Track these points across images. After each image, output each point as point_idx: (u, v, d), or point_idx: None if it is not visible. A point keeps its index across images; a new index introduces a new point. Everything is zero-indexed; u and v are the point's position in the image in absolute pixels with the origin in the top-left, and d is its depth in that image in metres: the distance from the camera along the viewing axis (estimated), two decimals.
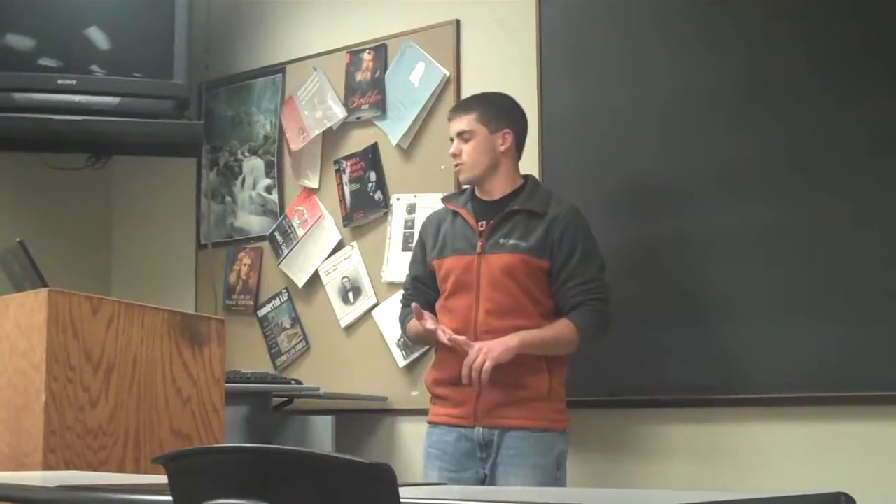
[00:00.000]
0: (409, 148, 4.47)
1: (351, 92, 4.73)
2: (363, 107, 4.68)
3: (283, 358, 4.82)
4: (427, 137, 4.49)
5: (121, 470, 3.07)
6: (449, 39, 4.48)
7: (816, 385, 3.51)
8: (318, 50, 4.91)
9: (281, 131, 5.00)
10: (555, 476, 3.48)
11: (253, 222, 5.07)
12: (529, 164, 4.12)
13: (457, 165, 3.62)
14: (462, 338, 3.41)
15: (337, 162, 4.74)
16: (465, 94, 4.42)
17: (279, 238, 4.92)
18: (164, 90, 4.91)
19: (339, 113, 4.73)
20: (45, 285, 3.17)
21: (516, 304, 3.47)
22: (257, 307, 4.96)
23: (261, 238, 5.02)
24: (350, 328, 4.61)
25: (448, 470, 3.51)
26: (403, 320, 3.77)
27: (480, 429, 3.48)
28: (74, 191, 5.43)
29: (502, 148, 3.57)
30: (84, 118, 4.80)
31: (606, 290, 3.53)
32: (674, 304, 3.79)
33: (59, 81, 4.81)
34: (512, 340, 3.38)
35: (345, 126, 4.74)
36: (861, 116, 3.52)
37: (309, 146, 4.86)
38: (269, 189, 5.02)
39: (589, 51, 4.10)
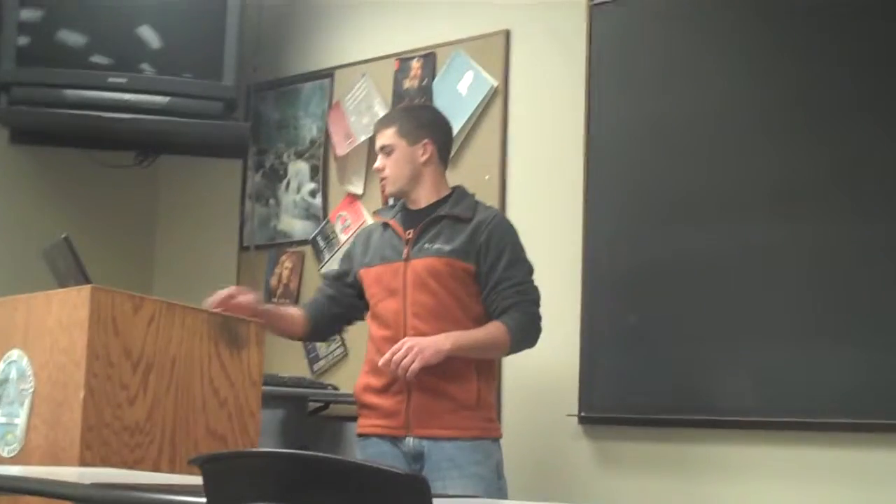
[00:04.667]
0: (454, 157, 4.45)
1: (398, 99, 4.74)
2: None
3: (321, 363, 4.83)
4: (473, 147, 4.49)
5: (156, 469, 3.07)
6: (498, 49, 4.48)
7: (855, 410, 3.47)
8: (366, 56, 4.93)
9: (327, 136, 5.01)
10: (497, 486, 3.44)
11: (296, 226, 5.08)
12: (574, 176, 4.11)
13: (382, 180, 3.64)
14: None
15: None
16: (514, 105, 4.43)
17: (321, 243, 4.93)
18: (212, 91, 4.94)
19: None
20: (89, 282, 3.18)
21: (442, 307, 3.46)
22: (286, 306, 4.97)
23: (303, 242, 5.04)
24: None
25: None
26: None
27: (411, 439, 3.45)
28: (121, 188, 5.47)
29: (423, 159, 3.58)
30: (133, 116, 4.84)
31: (537, 292, 3.52)
32: (715, 322, 3.76)
33: (110, 79, 4.85)
34: (444, 343, 3.36)
35: None
36: None
37: (354, 152, 4.87)
38: (313, 193, 5.03)
39: (639, 65, 4.08)
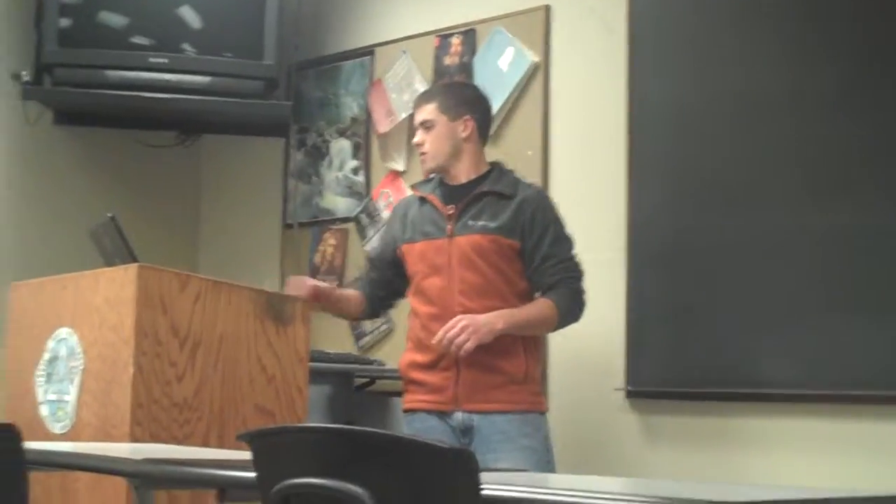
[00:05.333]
0: (496, 133, 4.45)
1: (439, 76, 4.73)
2: None
3: (367, 339, 4.85)
4: (514, 123, 4.48)
5: (205, 445, 3.11)
6: (539, 25, 4.46)
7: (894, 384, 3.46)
8: (407, 33, 4.92)
9: (368, 113, 5.02)
10: (546, 458, 3.47)
11: (339, 203, 5.09)
12: (617, 151, 4.10)
13: (421, 155, 3.64)
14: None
15: None
16: (555, 82, 4.41)
17: (364, 220, 4.95)
18: (254, 70, 4.96)
19: None
20: (136, 261, 3.21)
21: (489, 284, 3.47)
22: (342, 287, 4.99)
23: (346, 219, 5.05)
24: None
25: None
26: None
27: (460, 413, 3.46)
28: (164, 168, 5.50)
29: (464, 135, 3.58)
30: (175, 96, 4.86)
31: (580, 268, 3.55)
32: (758, 296, 3.74)
33: (151, 60, 4.87)
34: (497, 323, 3.38)
35: None
36: None
37: (396, 129, 4.87)
38: (355, 171, 5.04)
39: (680, 39, 4.05)
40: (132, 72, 4.86)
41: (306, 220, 5.21)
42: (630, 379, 3.99)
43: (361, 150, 5.03)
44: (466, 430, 3.45)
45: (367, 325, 4.84)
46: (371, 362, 4.55)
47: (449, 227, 3.52)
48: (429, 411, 3.52)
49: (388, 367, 4.46)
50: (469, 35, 4.68)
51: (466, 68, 4.65)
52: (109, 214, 3.48)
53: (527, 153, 4.37)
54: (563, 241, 3.54)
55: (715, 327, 3.81)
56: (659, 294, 3.96)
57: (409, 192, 4.68)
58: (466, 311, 3.42)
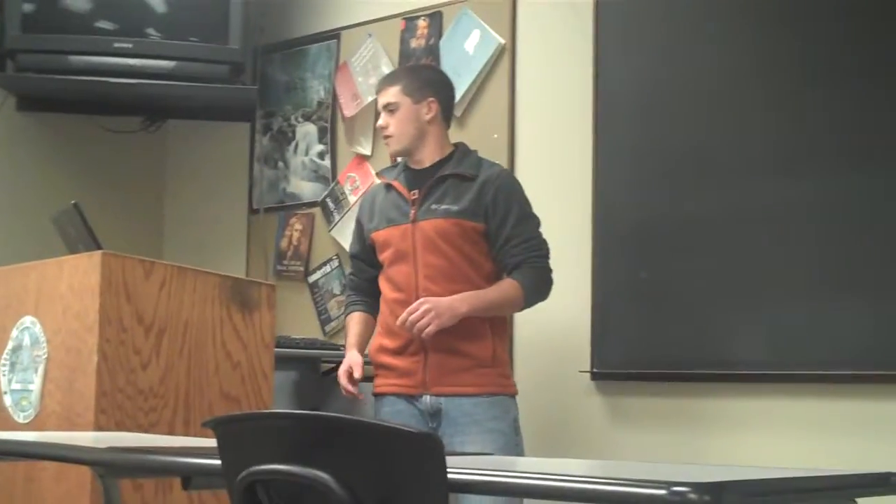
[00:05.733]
0: (462, 116, 4.44)
1: (405, 59, 4.71)
2: None
3: (333, 324, 4.84)
4: (481, 106, 4.47)
5: (171, 432, 3.09)
6: (505, 8, 4.45)
7: (865, 363, 3.46)
8: (373, 16, 4.90)
9: (335, 97, 5.00)
10: (514, 441, 3.48)
11: (305, 188, 5.08)
12: (584, 133, 4.10)
13: (385, 138, 3.64)
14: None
15: None
16: (521, 64, 4.41)
17: (331, 204, 4.93)
18: (219, 55, 4.93)
19: None
20: (100, 248, 3.20)
21: (454, 268, 3.47)
22: (308, 273, 4.98)
23: (312, 204, 5.03)
24: None
25: None
26: (347, 306, 3.80)
27: (428, 397, 3.47)
28: (129, 154, 5.46)
29: (427, 117, 3.58)
30: (139, 81, 4.83)
31: (546, 246, 3.55)
32: (725, 277, 3.75)
33: (116, 44, 4.83)
34: (460, 306, 3.39)
35: None
36: None
37: (362, 113, 4.86)
38: (321, 155, 5.02)
39: (646, 24, 4.05)
40: (96, 57, 4.82)
41: (272, 205, 5.19)
42: (596, 361, 3.99)
43: (327, 135, 5.01)
44: (434, 414, 3.46)
45: (333, 310, 4.83)
46: (337, 348, 4.53)
47: (412, 211, 3.52)
48: (398, 395, 3.53)
49: None
50: (435, 17, 4.66)
51: (433, 51, 4.64)
52: (73, 201, 3.46)
53: (493, 136, 4.36)
54: (528, 220, 3.53)
55: (680, 309, 3.83)
56: (625, 275, 3.97)
57: (374, 177, 4.69)
58: (431, 295, 3.42)
